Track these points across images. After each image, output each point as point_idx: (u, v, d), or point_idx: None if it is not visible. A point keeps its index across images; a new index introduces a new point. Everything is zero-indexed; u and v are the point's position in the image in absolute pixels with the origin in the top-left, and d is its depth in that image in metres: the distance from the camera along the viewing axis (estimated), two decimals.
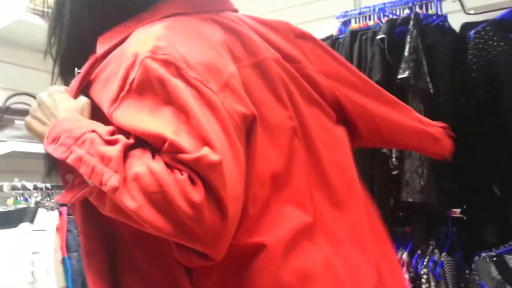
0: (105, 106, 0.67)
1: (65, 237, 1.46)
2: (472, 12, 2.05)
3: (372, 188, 1.83)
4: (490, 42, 1.81)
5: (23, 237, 1.40)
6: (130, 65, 0.64)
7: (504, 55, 1.76)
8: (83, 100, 0.74)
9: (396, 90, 1.77)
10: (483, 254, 1.84)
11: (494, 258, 1.83)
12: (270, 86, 0.74)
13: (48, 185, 1.59)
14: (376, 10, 2.05)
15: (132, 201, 0.56)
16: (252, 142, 0.69)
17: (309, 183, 0.74)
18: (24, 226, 1.42)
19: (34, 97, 1.80)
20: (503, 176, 1.77)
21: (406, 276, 1.81)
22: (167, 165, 0.58)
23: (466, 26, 1.92)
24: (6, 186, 1.56)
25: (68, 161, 0.62)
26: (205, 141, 0.58)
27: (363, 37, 1.91)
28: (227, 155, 0.60)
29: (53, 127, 0.69)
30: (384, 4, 2.07)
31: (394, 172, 1.82)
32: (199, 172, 0.57)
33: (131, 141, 0.61)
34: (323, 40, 2.10)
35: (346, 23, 2.19)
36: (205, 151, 0.57)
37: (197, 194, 0.56)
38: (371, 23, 2.09)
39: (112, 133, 0.63)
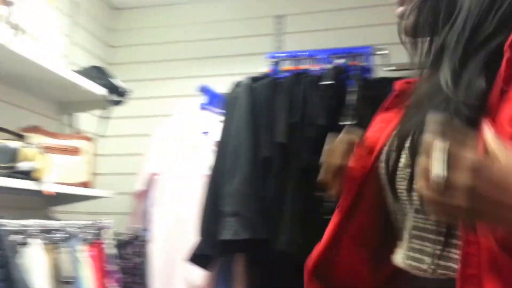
0: None
1: None
2: (390, 68, 2.22)
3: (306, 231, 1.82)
4: None
5: None
6: None
7: None
8: None
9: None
10: None
11: None
12: None
13: None
14: (321, 56, 2.10)
15: None
16: None
17: None
18: None
19: None
20: None
21: None
22: None
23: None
24: None
25: None
26: None
27: (305, 80, 1.93)
28: None
29: None
30: (318, 51, 2.14)
31: (329, 217, 1.84)
32: None
33: None
34: (259, 77, 2.08)
35: (276, 63, 2.21)
36: None
37: None
38: (304, 67, 2.13)
39: None
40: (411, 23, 0.75)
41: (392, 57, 2.14)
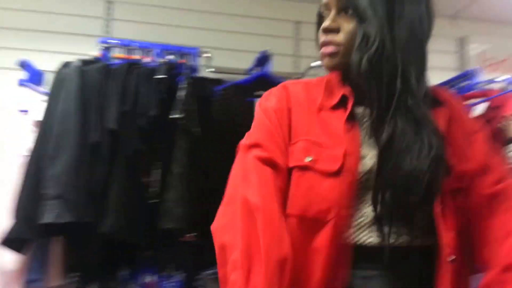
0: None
1: None
2: (210, 69, 2.45)
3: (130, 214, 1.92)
4: (232, 99, 2.24)
5: None
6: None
7: (241, 111, 2.21)
8: None
9: (168, 127, 1.97)
10: (207, 273, 2.20)
11: (214, 275, 2.21)
12: None
13: None
14: (156, 51, 2.19)
15: None
16: None
17: None
18: None
19: None
20: None
21: None
22: None
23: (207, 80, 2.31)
24: None
25: None
26: None
27: (138, 71, 2.01)
28: None
29: None
30: (149, 44, 2.24)
31: (153, 201, 1.98)
32: None
33: None
34: (90, 61, 2.08)
35: (107, 48, 2.22)
36: None
37: None
38: (135, 57, 2.21)
39: None
40: (358, 67, 0.86)
41: (213, 60, 2.39)
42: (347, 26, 0.90)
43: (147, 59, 2.18)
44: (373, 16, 0.86)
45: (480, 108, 2.23)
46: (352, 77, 0.91)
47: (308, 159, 0.89)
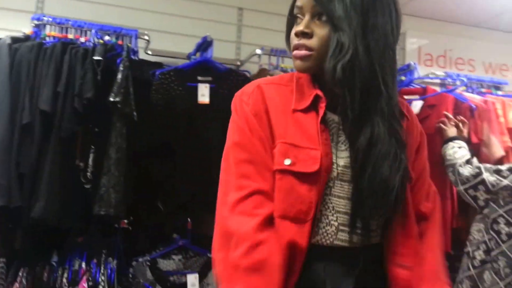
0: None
1: None
2: (150, 52, 2.39)
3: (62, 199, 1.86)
4: (172, 84, 2.20)
5: None
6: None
7: (181, 96, 2.18)
8: None
9: (104, 110, 1.91)
10: (140, 259, 2.16)
11: (148, 262, 2.19)
12: None
13: None
14: (93, 31, 2.11)
15: None
16: None
17: None
18: None
19: None
20: (166, 196, 2.17)
21: (86, 285, 1.90)
22: None
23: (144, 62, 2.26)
24: None
25: None
26: None
27: (73, 51, 1.93)
28: None
29: None
30: (85, 23, 2.15)
31: (87, 186, 1.92)
32: None
33: None
34: (21, 38, 1.97)
35: (39, 26, 2.11)
36: None
37: None
38: (70, 36, 2.11)
39: None
40: (332, 73, 0.88)
41: (152, 43, 2.32)
42: (320, 31, 0.91)
43: (82, 39, 2.09)
44: (348, 25, 0.88)
45: (417, 106, 2.32)
46: (325, 82, 0.93)
47: (287, 162, 0.91)
